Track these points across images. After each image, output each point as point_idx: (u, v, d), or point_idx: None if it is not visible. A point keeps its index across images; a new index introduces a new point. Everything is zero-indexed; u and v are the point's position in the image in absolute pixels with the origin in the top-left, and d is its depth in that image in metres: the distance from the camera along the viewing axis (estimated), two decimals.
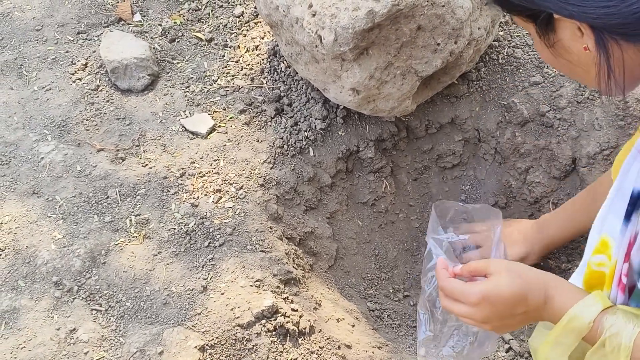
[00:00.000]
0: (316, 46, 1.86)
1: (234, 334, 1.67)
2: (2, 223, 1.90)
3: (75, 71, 2.28)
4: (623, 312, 1.08)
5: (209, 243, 1.85)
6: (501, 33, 2.28)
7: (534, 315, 1.17)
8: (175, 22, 2.42)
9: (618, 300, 1.12)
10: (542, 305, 1.14)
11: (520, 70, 2.20)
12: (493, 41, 2.22)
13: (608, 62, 1.04)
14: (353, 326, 1.88)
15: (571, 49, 1.09)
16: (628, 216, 1.08)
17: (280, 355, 1.66)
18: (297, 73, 2.18)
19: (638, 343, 1.04)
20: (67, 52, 2.34)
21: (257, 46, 2.32)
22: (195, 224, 1.88)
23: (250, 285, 1.75)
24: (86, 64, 2.29)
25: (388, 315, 2.05)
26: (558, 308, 1.12)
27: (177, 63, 2.31)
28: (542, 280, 1.16)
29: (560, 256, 2.04)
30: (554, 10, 1.04)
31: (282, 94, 2.18)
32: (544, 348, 1.15)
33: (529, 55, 2.23)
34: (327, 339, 1.76)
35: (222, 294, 1.74)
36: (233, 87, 2.22)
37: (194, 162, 2.02)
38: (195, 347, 1.63)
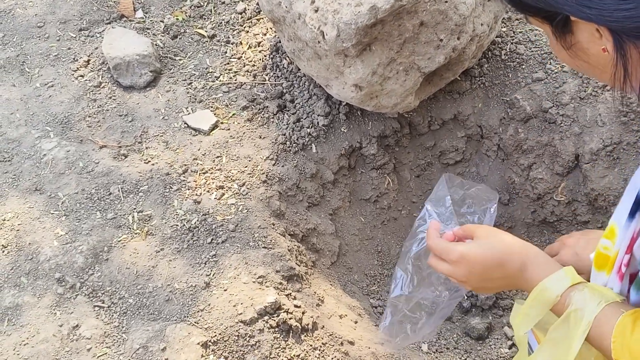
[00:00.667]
0: (319, 42, 1.85)
1: (236, 330, 1.66)
2: (4, 220, 1.90)
3: (77, 68, 2.28)
4: (590, 289, 1.14)
5: (212, 239, 1.85)
6: (504, 29, 2.27)
7: (510, 282, 1.24)
8: (177, 19, 2.42)
9: (615, 287, 1.16)
10: (519, 274, 1.22)
11: (523, 67, 2.20)
12: (496, 37, 2.22)
13: (625, 66, 1.03)
14: (356, 322, 1.88)
15: (589, 50, 1.09)
16: (632, 214, 1.13)
17: (283, 352, 1.66)
18: (299, 69, 2.18)
19: (599, 318, 1.10)
20: (69, 48, 2.34)
21: (260, 43, 2.32)
22: (197, 220, 1.88)
23: (253, 282, 1.75)
24: (88, 60, 2.29)
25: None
26: (532, 279, 1.20)
27: (180, 60, 2.31)
28: (523, 251, 1.23)
29: None
30: (572, 12, 1.03)
31: (284, 91, 2.18)
32: (518, 319, 1.23)
33: (532, 51, 2.23)
34: (330, 335, 1.75)
35: (225, 290, 1.74)
36: (235, 83, 2.22)
37: (197, 159, 2.02)
38: (198, 343, 1.62)
